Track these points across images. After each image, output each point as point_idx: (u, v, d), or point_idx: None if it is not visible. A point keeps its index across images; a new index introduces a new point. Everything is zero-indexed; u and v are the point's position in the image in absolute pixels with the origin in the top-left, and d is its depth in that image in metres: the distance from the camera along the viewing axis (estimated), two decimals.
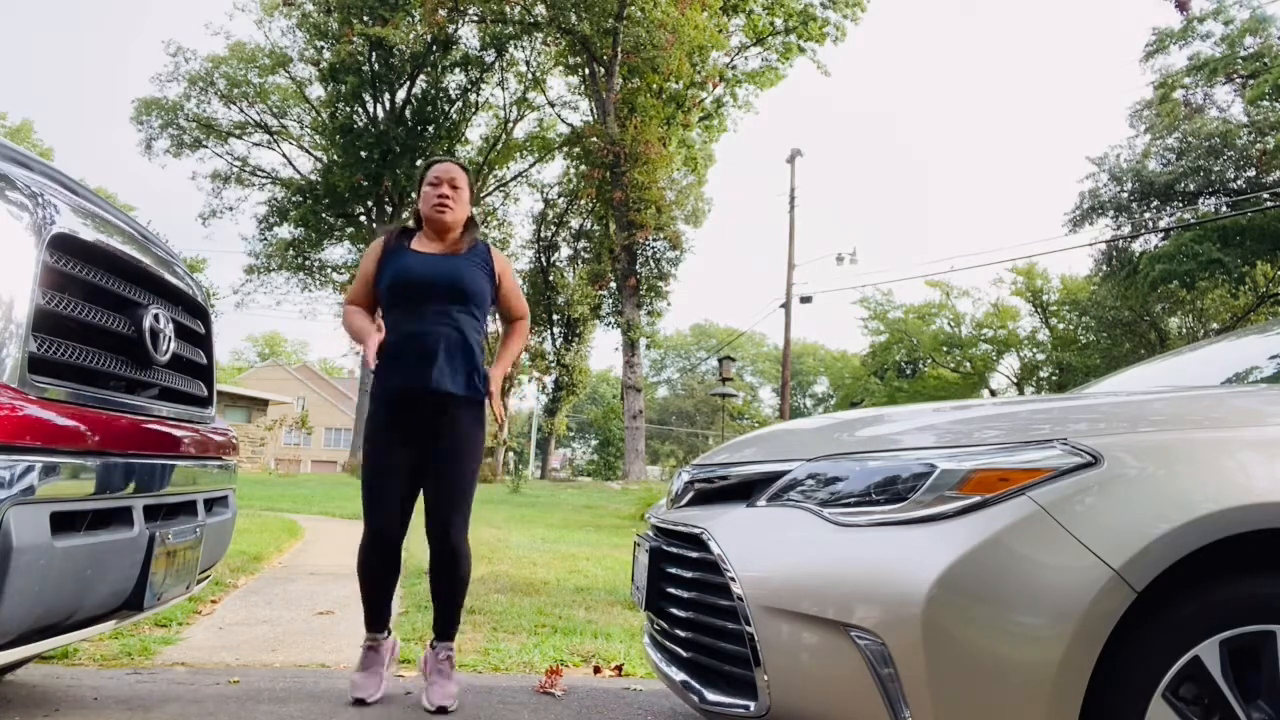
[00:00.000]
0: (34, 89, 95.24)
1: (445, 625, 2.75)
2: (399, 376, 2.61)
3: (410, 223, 2.89)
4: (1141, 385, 2.69)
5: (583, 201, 30.51)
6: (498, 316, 3.07)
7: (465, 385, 2.64)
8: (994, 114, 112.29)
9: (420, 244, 2.76)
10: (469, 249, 2.77)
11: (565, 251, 33.64)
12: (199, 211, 36.22)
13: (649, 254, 26.56)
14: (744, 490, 1.91)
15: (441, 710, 2.51)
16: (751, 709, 1.64)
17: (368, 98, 29.53)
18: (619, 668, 3.33)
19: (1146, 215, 24.41)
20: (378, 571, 2.72)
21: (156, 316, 1.87)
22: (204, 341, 2.28)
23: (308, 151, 31.82)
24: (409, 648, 3.43)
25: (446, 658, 2.69)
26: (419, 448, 2.66)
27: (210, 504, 2.15)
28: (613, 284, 28.72)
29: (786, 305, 23.03)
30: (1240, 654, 1.45)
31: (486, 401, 2.75)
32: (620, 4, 23.91)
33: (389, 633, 2.82)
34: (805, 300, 23.04)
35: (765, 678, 1.61)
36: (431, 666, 2.69)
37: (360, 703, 2.58)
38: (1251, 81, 20.96)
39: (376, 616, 2.75)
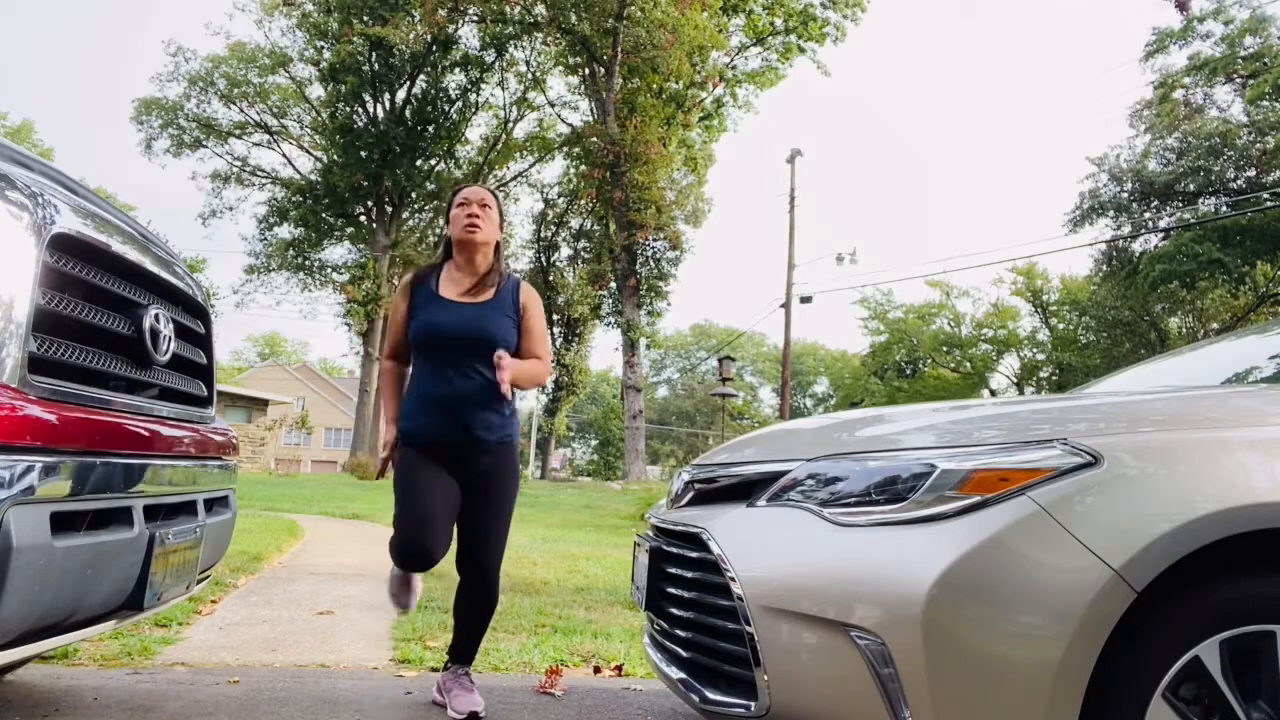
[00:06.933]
0: (34, 89, 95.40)
1: (468, 651, 2.73)
2: (431, 427, 2.62)
3: (440, 253, 2.87)
4: (1141, 385, 2.69)
5: (583, 201, 30.54)
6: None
7: (497, 430, 2.66)
8: (994, 114, 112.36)
9: (448, 281, 2.73)
10: (497, 290, 2.74)
11: (565, 251, 33.71)
12: (199, 211, 36.28)
13: (649, 254, 26.57)
14: (744, 490, 1.91)
15: (474, 716, 2.51)
16: (751, 709, 1.64)
17: (368, 98, 29.52)
18: (619, 668, 3.33)
19: (1146, 215, 24.39)
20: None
21: (157, 316, 1.87)
22: (204, 341, 2.28)
23: (308, 151, 31.83)
24: (408, 647, 3.43)
25: (465, 674, 2.69)
26: (456, 477, 2.64)
27: (210, 504, 2.15)
28: (613, 284, 28.72)
29: (786, 305, 23.03)
30: (1240, 654, 1.45)
31: (517, 442, 2.76)
32: (620, 4, 23.91)
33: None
34: (805, 300, 23.04)
35: (765, 677, 1.61)
36: (450, 684, 2.66)
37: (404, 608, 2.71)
38: (1251, 81, 20.95)
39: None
